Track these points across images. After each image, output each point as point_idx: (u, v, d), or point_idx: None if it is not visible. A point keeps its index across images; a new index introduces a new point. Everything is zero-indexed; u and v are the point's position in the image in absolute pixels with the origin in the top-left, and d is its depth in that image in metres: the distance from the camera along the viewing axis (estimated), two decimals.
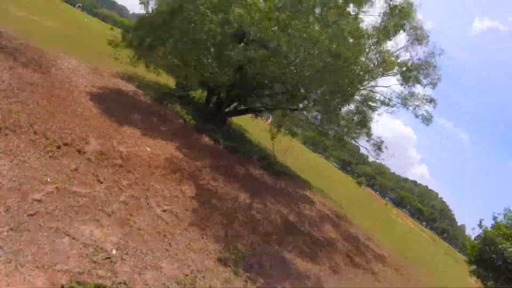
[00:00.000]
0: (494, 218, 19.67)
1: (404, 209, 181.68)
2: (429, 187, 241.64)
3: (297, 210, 20.69)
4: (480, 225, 19.79)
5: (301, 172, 34.21)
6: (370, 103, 27.31)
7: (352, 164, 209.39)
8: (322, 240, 18.73)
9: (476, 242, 20.15)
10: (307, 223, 19.51)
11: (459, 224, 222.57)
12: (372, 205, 59.31)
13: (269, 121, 50.00)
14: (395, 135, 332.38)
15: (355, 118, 25.50)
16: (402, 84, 28.18)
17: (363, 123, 25.11)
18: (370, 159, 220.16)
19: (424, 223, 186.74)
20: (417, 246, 45.86)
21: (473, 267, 20.80)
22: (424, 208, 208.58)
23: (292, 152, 47.45)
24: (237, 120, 33.73)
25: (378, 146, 27.05)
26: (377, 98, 28.16)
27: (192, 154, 18.59)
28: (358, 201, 48.35)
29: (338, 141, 27.40)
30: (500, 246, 17.03)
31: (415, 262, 29.98)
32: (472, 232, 21.21)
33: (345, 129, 24.99)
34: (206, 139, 22.35)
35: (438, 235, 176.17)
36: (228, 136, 25.12)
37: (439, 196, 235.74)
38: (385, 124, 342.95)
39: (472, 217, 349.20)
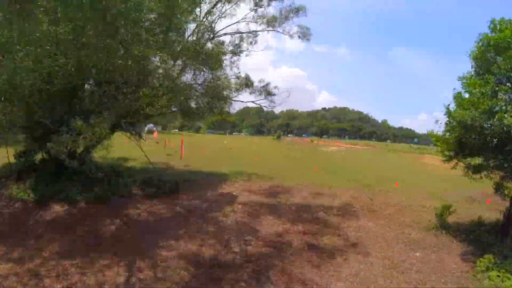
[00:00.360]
0: (456, 96, 14.15)
1: (328, 136, 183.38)
2: (338, 106, 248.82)
3: (215, 228, 13.87)
4: (448, 114, 14.03)
5: (211, 165, 28.27)
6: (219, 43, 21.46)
7: (265, 125, 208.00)
8: (268, 251, 12.07)
9: (450, 135, 14.56)
10: (233, 239, 12.74)
11: (380, 121, 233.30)
12: (300, 151, 54.22)
13: (155, 131, 42.38)
14: (285, 81, 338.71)
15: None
16: (256, 9, 22.57)
17: (215, 63, 18.21)
18: (276, 110, 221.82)
19: (348, 137, 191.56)
20: (365, 165, 41.48)
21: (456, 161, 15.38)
22: (344, 125, 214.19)
23: (196, 148, 40.38)
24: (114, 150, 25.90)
25: (267, 91, 21.33)
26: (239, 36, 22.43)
27: (24, 253, 11.27)
28: (285, 156, 42.70)
29: (210, 109, 20.98)
30: (495, 122, 11.52)
31: (378, 183, 25.30)
32: (438, 126, 15.23)
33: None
34: (56, 208, 15.16)
35: (370, 140, 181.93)
36: (93, 183, 17.67)
37: (350, 108, 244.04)
38: (271, 76, 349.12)
39: (386, 109, 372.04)
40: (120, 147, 27.08)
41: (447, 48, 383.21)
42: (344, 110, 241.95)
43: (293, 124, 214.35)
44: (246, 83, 20.81)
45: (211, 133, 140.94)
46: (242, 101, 24.47)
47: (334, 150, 63.76)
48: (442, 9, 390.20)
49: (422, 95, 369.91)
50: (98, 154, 26.08)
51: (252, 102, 23.41)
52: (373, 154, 63.33)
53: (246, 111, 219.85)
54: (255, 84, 21.67)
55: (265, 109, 24.95)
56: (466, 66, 16.76)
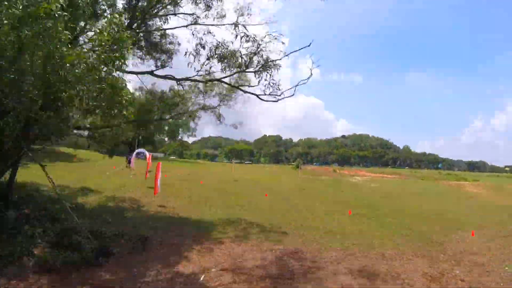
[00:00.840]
0: None
1: (351, 166, 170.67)
2: (357, 133, 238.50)
3: None
4: None
5: (198, 206, 20.14)
6: None
7: (283, 154, 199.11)
8: None
9: None
10: None
11: (401, 147, 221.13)
12: (323, 184, 43.53)
13: (148, 158, 33.04)
14: (304, 109, 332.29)
15: None
16: None
17: None
18: (295, 138, 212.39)
19: (369, 165, 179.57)
20: (406, 200, 31.07)
21: None
22: (365, 152, 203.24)
23: (193, 180, 31.00)
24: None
25: (263, 65, 13.10)
26: None
27: None
28: (304, 191, 32.37)
29: None
30: None
31: (444, 233, 16.43)
32: None
33: None
34: None
35: (394, 166, 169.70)
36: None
37: (370, 135, 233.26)
38: (289, 106, 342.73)
39: (405, 134, 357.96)
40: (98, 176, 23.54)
41: (462, 70, 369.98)
42: (363, 137, 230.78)
43: (312, 152, 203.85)
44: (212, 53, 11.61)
45: (216, 161, 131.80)
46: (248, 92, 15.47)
47: (360, 180, 53.41)
48: (456, 31, 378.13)
49: (440, 118, 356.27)
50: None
51: (228, 85, 14.64)
52: (405, 184, 52.85)
53: (263, 140, 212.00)
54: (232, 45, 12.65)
55: (265, 98, 15.28)
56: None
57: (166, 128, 71.56)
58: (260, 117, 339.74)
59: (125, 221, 15.51)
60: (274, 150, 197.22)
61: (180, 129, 76.08)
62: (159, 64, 18.21)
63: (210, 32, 14.73)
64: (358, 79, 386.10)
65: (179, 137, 79.96)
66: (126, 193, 22.54)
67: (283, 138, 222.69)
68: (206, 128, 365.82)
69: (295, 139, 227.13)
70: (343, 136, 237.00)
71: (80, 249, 10.31)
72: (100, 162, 42.39)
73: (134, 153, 33.99)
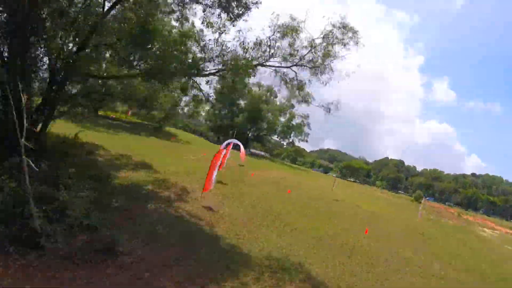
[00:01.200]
0: None
1: (475, 211, 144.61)
2: (490, 173, 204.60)
3: None
4: None
5: (260, 225, 15.54)
6: None
7: (403, 182, 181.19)
8: None
9: None
10: None
11: None
12: (445, 232, 33.58)
13: (227, 148, 29.09)
14: (434, 137, 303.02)
15: None
16: None
17: None
18: (419, 167, 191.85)
19: (489, 212, 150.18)
20: None
21: None
22: (495, 199, 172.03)
23: (283, 186, 24.89)
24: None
25: None
26: None
27: None
28: (422, 241, 23.84)
29: None
30: None
31: None
32: None
33: None
34: None
35: None
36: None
37: (504, 178, 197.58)
38: (418, 130, 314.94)
39: None
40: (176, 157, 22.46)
41: None
42: (496, 179, 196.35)
43: (436, 186, 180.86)
44: None
45: (329, 174, 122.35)
46: None
47: (490, 235, 41.59)
48: None
49: None
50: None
51: None
52: None
53: (383, 162, 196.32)
54: None
55: None
56: None
57: (279, 129, 68.69)
58: (385, 138, 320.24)
59: (135, 212, 12.60)
60: (394, 175, 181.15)
61: (292, 132, 71.75)
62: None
63: None
64: (497, 109, 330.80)
65: (291, 139, 75.47)
66: (184, 180, 19.25)
67: (405, 164, 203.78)
68: (327, 140, 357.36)
69: (419, 168, 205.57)
70: (473, 175, 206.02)
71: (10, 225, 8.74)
72: (198, 146, 40.10)
73: (225, 143, 30.90)
